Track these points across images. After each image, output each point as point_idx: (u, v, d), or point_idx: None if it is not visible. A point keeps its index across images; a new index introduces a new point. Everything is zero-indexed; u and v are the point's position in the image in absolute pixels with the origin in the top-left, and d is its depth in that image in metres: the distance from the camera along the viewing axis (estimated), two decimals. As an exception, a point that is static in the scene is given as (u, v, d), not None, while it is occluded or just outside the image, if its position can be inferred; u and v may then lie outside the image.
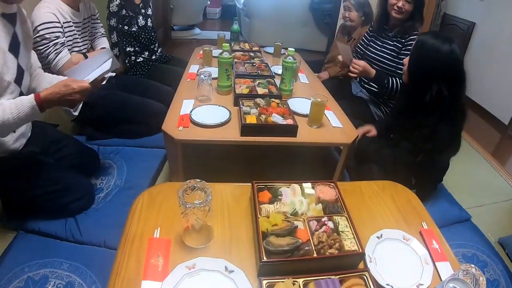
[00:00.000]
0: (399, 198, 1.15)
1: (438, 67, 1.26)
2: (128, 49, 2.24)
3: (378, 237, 0.98)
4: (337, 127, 1.53)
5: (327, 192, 1.05)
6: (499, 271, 1.48)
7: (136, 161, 1.74)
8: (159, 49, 2.45)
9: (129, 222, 0.97)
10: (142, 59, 2.29)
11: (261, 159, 1.71)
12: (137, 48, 2.26)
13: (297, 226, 0.92)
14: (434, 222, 1.07)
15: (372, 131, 1.80)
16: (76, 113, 2.00)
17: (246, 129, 1.37)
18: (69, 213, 1.34)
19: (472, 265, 0.78)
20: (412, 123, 1.50)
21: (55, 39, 1.51)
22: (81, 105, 1.96)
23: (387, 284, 0.83)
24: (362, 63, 1.82)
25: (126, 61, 2.27)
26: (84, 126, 2.05)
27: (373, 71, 1.89)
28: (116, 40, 2.21)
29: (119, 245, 0.91)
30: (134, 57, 2.27)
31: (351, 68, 1.89)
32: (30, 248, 1.19)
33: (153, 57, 2.38)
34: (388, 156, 1.63)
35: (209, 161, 1.74)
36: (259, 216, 0.90)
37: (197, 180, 0.86)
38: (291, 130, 1.40)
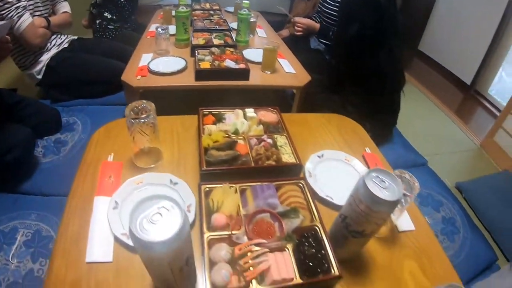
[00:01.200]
0: (345, 128, 1.20)
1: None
2: (105, 14, 2.27)
3: (319, 156, 1.01)
4: (290, 72, 1.61)
5: (269, 116, 1.14)
6: (455, 210, 1.59)
7: (100, 117, 1.79)
8: (132, 17, 2.48)
9: (87, 151, 1.05)
10: (113, 26, 2.33)
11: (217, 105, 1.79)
12: (114, 17, 2.30)
13: (236, 141, 1.01)
14: (378, 150, 1.10)
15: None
16: (39, 76, 2.01)
17: (200, 74, 1.43)
18: (5, 166, 1.30)
19: (406, 171, 0.81)
20: (352, 66, 1.60)
21: (17, 3, 1.53)
22: (44, 68, 1.97)
23: (327, 196, 0.88)
24: (305, 20, 1.97)
25: (97, 24, 2.29)
26: (49, 89, 2.07)
27: (317, 26, 2.06)
28: (101, 2, 2.24)
29: (77, 170, 0.98)
30: (106, 23, 2.30)
31: (295, 27, 2.07)
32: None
33: (125, 26, 2.43)
34: (338, 102, 1.73)
35: (166, 109, 1.80)
36: (202, 135, 0.97)
37: (143, 101, 0.93)
38: (243, 73, 1.47)
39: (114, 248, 0.79)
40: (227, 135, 0.96)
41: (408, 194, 0.83)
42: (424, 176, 1.56)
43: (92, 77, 2.01)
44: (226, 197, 0.83)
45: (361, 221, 0.64)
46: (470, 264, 1.31)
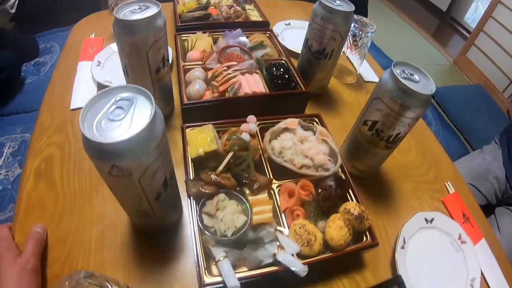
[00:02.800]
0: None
1: None
2: None
3: (286, 24, 1.10)
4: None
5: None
6: (430, 112, 1.71)
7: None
8: None
9: (69, 36, 1.08)
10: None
11: None
12: None
13: (208, 6, 1.05)
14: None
15: None
16: (12, 11, 1.98)
17: None
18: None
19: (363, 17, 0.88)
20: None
21: None
22: (16, 1, 1.94)
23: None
24: None
25: None
26: (23, 23, 2.04)
27: None
28: None
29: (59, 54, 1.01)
30: None
31: None
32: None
33: None
34: None
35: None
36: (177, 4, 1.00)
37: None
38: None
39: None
40: (199, 3, 0.99)
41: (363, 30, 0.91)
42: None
43: (64, 3, 1.99)
44: (199, 39, 0.88)
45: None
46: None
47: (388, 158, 0.68)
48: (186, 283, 0.52)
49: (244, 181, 0.56)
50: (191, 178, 0.55)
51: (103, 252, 0.53)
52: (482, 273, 0.61)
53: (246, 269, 0.50)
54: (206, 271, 0.46)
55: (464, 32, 3.17)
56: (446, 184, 0.77)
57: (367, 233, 0.57)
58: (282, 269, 0.49)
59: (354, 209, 0.55)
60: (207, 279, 0.45)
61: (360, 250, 0.55)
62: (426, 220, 0.66)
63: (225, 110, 0.67)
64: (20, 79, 1.46)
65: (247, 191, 0.56)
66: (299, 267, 0.50)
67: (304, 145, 0.64)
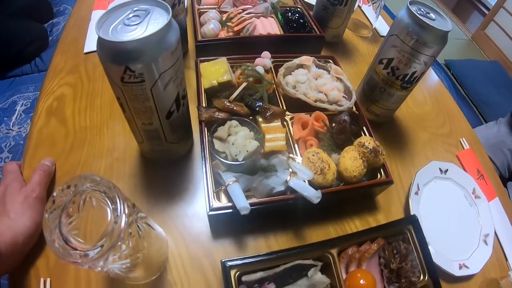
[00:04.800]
0: None
1: None
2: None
3: None
4: None
5: None
6: (442, 77, 1.71)
7: None
8: None
9: None
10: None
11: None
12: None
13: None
14: None
15: None
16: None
17: None
18: (25, 58, 1.31)
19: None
20: None
21: None
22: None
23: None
24: None
25: None
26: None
27: None
28: None
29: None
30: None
31: None
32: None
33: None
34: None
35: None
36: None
37: None
38: None
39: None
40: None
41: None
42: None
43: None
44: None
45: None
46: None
47: (403, 107, 0.67)
48: (196, 216, 0.51)
49: (257, 109, 0.54)
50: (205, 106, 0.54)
51: (111, 183, 0.53)
52: (495, 231, 0.60)
53: (256, 198, 0.48)
54: (215, 195, 0.45)
55: (483, 9, 3.05)
56: (461, 140, 0.76)
57: (382, 170, 0.55)
58: (294, 196, 0.47)
59: (369, 143, 0.54)
60: (216, 203, 0.44)
61: (374, 186, 0.53)
62: (440, 170, 0.65)
63: (239, 49, 0.65)
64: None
65: (260, 120, 0.54)
66: (311, 192, 0.47)
67: (319, 80, 0.63)
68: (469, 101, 1.73)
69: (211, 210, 0.43)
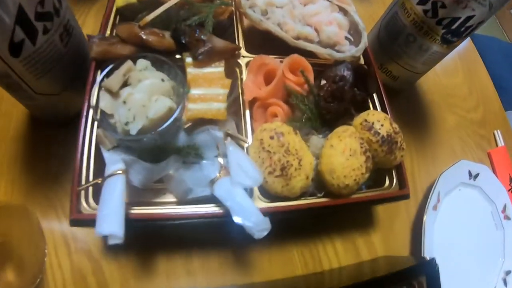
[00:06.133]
0: None
1: None
2: None
3: None
4: None
5: None
6: None
7: None
8: None
9: None
10: None
11: None
12: None
13: None
14: None
15: None
16: None
17: None
18: None
19: None
20: None
21: None
22: None
23: None
24: None
25: None
26: None
27: None
28: None
29: None
30: None
31: None
32: None
33: None
34: None
35: None
36: None
37: None
38: None
39: None
40: None
41: None
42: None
43: None
44: None
45: None
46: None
47: (429, 73, 0.49)
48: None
49: (183, 41, 0.28)
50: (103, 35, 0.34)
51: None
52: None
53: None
54: (89, 194, 0.29)
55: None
56: (495, 132, 0.59)
57: (393, 172, 0.34)
58: (220, 214, 0.27)
59: (382, 125, 0.30)
60: (86, 208, 0.28)
61: (377, 203, 0.34)
62: (470, 173, 0.50)
63: None
64: None
65: (188, 60, 0.29)
66: (251, 219, 0.25)
67: (308, 7, 0.37)
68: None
69: (72, 221, 0.27)
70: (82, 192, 0.29)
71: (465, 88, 0.62)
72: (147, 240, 0.37)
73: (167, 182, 0.30)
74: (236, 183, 0.25)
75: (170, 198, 0.32)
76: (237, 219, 0.25)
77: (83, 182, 0.29)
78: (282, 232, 0.36)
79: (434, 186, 0.44)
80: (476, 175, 0.50)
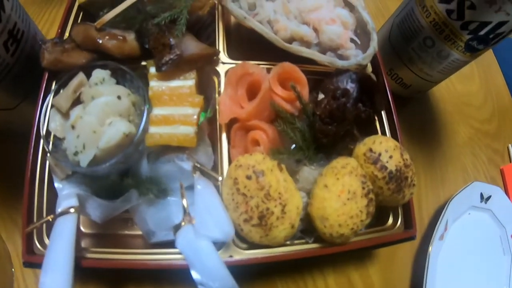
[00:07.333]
0: None
1: None
2: None
3: None
4: None
5: None
6: None
7: None
8: None
9: None
10: None
11: None
12: None
13: None
14: None
15: None
16: None
17: None
18: None
19: None
20: None
21: None
22: None
23: None
24: None
25: None
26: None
27: None
28: None
29: None
30: None
31: None
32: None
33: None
34: None
35: None
36: None
37: None
38: None
39: None
40: None
41: None
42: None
43: None
44: None
45: None
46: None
47: (442, 82, 0.43)
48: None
49: (147, 45, 0.26)
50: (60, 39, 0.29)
51: None
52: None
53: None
54: (43, 231, 0.25)
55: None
56: (510, 146, 0.54)
57: (399, 209, 0.29)
58: (180, 267, 0.22)
59: (391, 156, 0.25)
60: (37, 249, 0.25)
61: (378, 247, 0.28)
62: (481, 196, 0.46)
63: None
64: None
65: (152, 71, 0.26)
66: (217, 283, 0.20)
67: (306, 0, 0.29)
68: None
69: (25, 263, 0.24)
70: (35, 230, 0.26)
71: (481, 95, 0.57)
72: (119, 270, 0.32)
73: (132, 213, 0.25)
74: (203, 236, 0.20)
75: (138, 230, 0.28)
76: (196, 276, 0.19)
77: (35, 217, 0.26)
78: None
79: (442, 215, 0.40)
80: (488, 198, 0.46)
